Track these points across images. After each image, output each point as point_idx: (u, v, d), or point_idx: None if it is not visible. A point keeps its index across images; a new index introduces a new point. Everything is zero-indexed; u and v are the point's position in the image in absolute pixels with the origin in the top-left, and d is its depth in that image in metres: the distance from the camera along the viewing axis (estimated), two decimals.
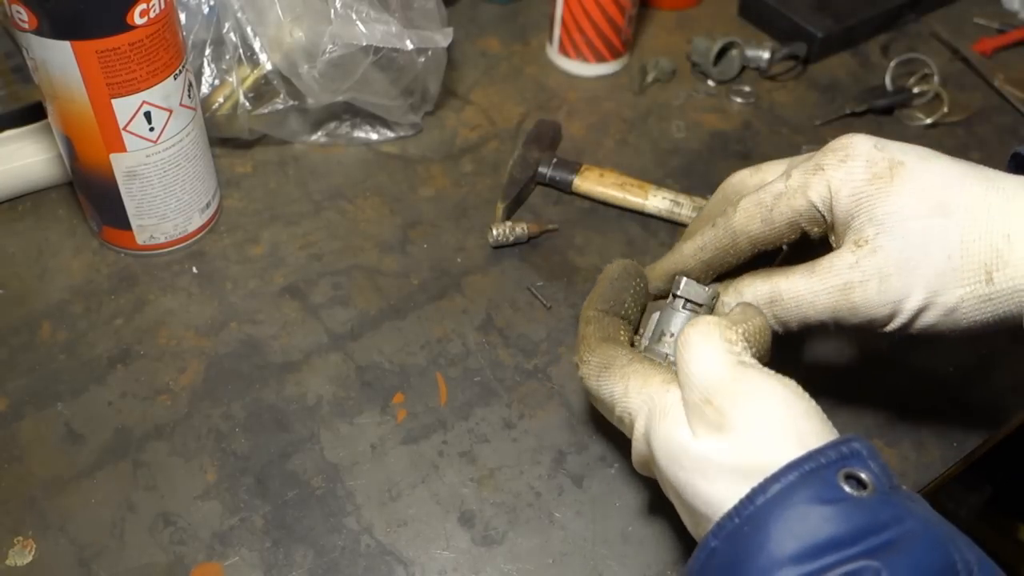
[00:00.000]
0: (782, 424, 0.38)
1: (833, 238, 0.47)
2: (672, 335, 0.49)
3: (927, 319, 0.43)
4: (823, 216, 0.46)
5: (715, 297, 0.50)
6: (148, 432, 0.57)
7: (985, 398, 0.62)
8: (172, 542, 0.52)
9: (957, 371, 0.64)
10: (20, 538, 0.52)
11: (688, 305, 0.49)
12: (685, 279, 0.49)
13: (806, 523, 0.35)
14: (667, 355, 0.48)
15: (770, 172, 0.52)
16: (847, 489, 0.36)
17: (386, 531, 0.53)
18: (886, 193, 0.43)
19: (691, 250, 0.51)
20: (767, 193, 0.47)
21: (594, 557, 0.53)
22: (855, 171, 0.44)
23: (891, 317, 0.43)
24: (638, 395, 0.44)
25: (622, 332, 0.50)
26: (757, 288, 0.47)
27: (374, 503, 0.54)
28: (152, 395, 0.59)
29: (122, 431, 0.57)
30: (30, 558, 0.51)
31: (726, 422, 0.39)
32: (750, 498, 0.36)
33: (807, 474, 0.36)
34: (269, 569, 0.51)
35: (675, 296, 0.50)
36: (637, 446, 0.44)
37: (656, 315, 0.51)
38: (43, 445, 0.56)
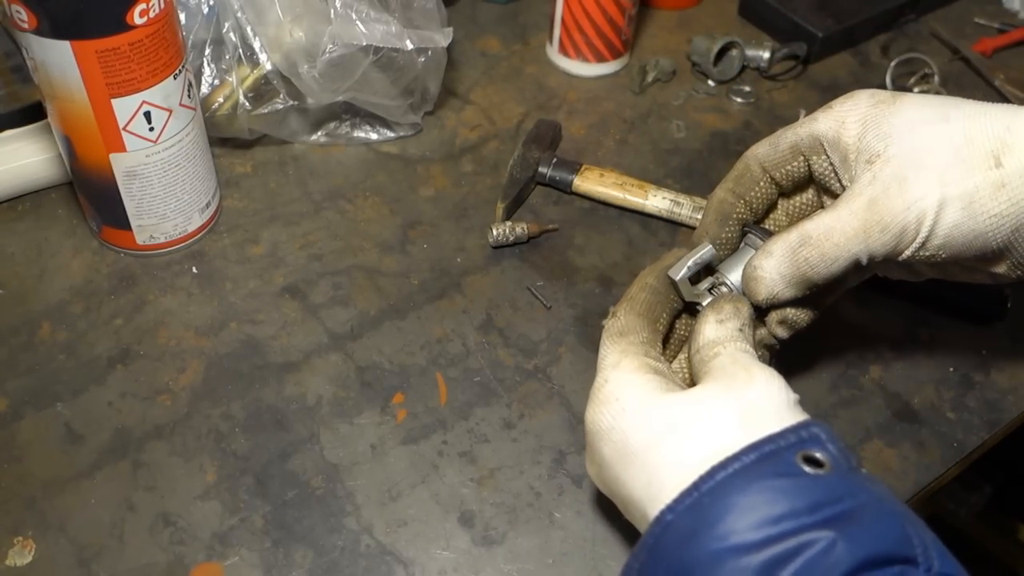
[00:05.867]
0: (780, 401, 0.41)
1: (847, 176, 0.49)
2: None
3: (949, 217, 0.45)
4: (824, 147, 0.49)
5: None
6: (148, 432, 0.57)
7: (985, 398, 0.62)
8: (172, 542, 0.52)
9: (957, 371, 0.64)
10: (20, 538, 0.52)
11: (749, 238, 0.52)
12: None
13: (764, 495, 0.37)
14: (706, 291, 0.50)
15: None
16: (805, 469, 0.37)
17: (386, 531, 0.53)
18: (890, 112, 0.47)
19: (722, 190, 0.53)
20: (779, 130, 0.52)
21: (594, 557, 0.53)
22: (860, 102, 0.48)
23: (917, 224, 0.45)
24: (630, 373, 0.44)
25: (663, 318, 0.50)
26: (785, 237, 0.48)
27: (374, 503, 0.54)
28: (152, 395, 0.59)
29: (122, 431, 0.57)
30: (30, 558, 0.51)
31: (748, 385, 0.42)
32: (711, 474, 0.38)
33: (766, 455, 0.38)
34: (269, 569, 0.51)
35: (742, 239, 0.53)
36: (596, 412, 0.45)
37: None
38: (43, 445, 0.56)
